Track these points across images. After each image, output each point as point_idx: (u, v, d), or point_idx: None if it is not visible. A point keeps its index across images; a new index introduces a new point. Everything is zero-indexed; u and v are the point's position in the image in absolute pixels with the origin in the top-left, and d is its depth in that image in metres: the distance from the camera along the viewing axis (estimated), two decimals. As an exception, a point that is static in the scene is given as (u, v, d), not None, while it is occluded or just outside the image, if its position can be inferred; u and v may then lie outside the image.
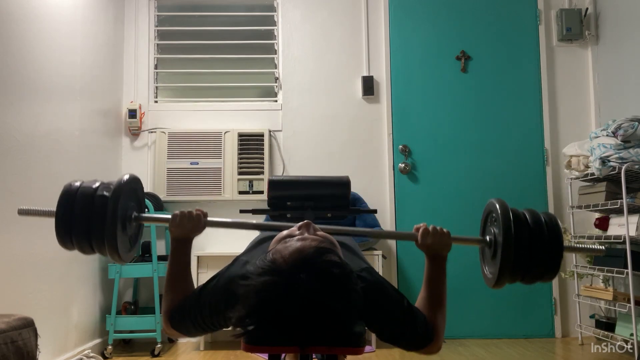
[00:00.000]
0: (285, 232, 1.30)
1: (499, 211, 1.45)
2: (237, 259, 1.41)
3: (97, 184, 1.46)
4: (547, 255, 1.44)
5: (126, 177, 1.48)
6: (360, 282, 1.21)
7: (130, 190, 1.51)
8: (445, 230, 1.48)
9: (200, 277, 3.35)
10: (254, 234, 1.78)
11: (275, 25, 3.97)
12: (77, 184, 1.47)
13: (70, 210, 1.43)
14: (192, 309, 1.35)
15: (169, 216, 1.49)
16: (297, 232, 1.27)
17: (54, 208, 1.45)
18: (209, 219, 1.51)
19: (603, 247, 1.59)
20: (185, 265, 1.49)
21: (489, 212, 1.56)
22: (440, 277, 1.47)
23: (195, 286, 1.45)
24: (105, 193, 1.43)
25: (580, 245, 1.63)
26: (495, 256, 1.48)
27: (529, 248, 1.42)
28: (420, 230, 1.47)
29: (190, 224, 1.47)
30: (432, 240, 1.46)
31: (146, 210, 3.30)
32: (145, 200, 3.30)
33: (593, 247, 1.61)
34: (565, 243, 1.49)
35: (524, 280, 1.49)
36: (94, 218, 1.41)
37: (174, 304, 1.41)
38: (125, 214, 1.48)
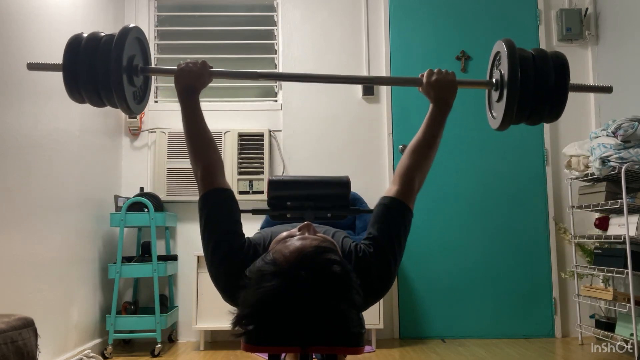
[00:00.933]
0: (285, 233, 1.30)
1: (505, 49, 1.43)
2: (255, 247, 1.38)
3: (102, 34, 1.46)
4: (552, 95, 1.42)
5: (131, 25, 1.48)
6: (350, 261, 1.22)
7: (135, 41, 1.51)
8: (450, 71, 1.50)
9: (200, 277, 3.34)
10: (256, 231, 1.77)
11: (275, 25, 3.97)
12: (84, 35, 1.46)
13: (75, 61, 1.42)
14: (214, 238, 1.33)
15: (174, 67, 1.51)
16: (298, 233, 1.27)
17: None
18: (214, 69, 1.54)
19: (609, 85, 1.57)
20: (200, 115, 1.49)
21: (496, 52, 1.54)
22: (439, 123, 1.48)
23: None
24: (110, 40, 1.42)
25: (587, 84, 1.63)
26: (501, 97, 1.47)
27: (534, 85, 1.40)
28: (426, 71, 1.50)
29: (196, 68, 1.49)
30: (437, 77, 1.48)
31: (145, 210, 3.31)
32: (145, 200, 3.31)
33: (599, 85, 1.59)
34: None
35: (529, 120, 1.48)
36: (99, 66, 1.40)
37: (211, 181, 1.40)
38: (130, 65, 1.47)
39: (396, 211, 1.38)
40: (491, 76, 1.59)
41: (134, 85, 1.51)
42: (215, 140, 1.50)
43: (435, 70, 1.49)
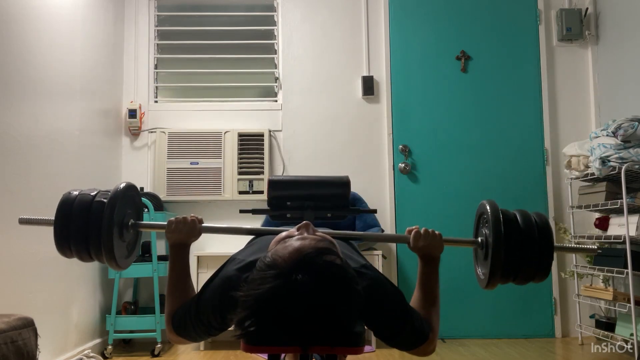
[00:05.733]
0: (284, 234, 1.29)
1: (489, 212, 1.47)
2: (232, 258, 1.42)
3: (94, 193, 1.50)
4: (537, 256, 1.46)
5: (122, 185, 1.51)
6: (360, 280, 1.21)
7: (127, 198, 1.54)
8: (437, 232, 1.52)
9: (200, 277, 3.35)
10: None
11: (275, 25, 3.97)
12: (75, 193, 1.51)
13: (67, 220, 1.47)
14: (191, 313, 1.37)
15: (165, 223, 1.53)
16: (296, 233, 1.27)
17: (52, 216, 1.50)
18: (204, 225, 1.56)
19: (596, 247, 1.61)
20: (184, 271, 1.52)
21: (481, 213, 1.59)
22: (433, 278, 1.50)
23: (196, 289, 1.47)
24: (102, 201, 1.46)
25: (571, 245, 1.66)
26: (487, 257, 1.50)
27: (519, 249, 1.44)
28: (413, 234, 1.52)
29: (185, 229, 1.52)
30: (424, 243, 1.50)
31: (145, 210, 3.31)
32: (145, 200, 3.31)
33: (585, 247, 1.62)
34: (565, 243, 1.50)
35: (516, 281, 1.52)
36: (91, 227, 1.45)
37: (175, 308, 1.44)
38: (122, 221, 1.51)
39: (420, 323, 1.38)
40: (477, 234, 1.61)
41: (124, 241, 1.54)
42: (193, 286, 1.53)
43: (422, 233, 1.51)
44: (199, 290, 1.41)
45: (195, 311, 1.36)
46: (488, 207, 1.49)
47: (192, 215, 1.55)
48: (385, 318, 1.33)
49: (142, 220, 1.64)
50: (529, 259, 1.45)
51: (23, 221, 1.61)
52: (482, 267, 1.57)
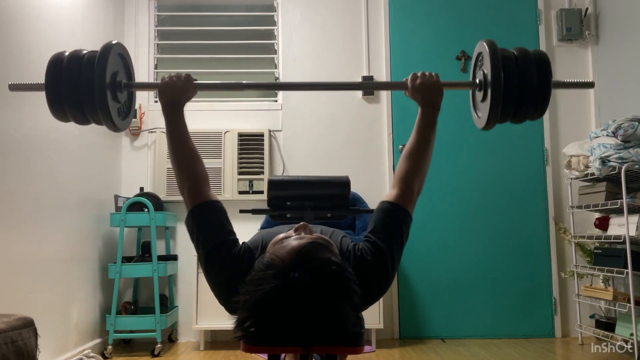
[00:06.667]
0: (282, 235, 1.30)
1: (487, 50, 1.45)
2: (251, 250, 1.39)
3: (84, 52, 1.44)
4: (535, 91, 1.44)
5: (113, 42, 1.46)
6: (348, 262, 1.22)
7: (118, 57, 1.49)
8: (434, 73, 1.51)
9: (200, 277, 3.34)
10: (255, 231, 1.77)
11: (275, 25, 3.97)
12: (66, 53, 1.44)
13: (58, 80, 1.41)
14: (211, 257, 1.34)
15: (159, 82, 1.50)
16: (294, 234, 1.27)
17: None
18: (198, 82, 1.53)
19: (591, 81, 1.60)
20: (183, 132, 1.47)
21: (478, 53, 1.56)
22: (430, 124, 1.49)
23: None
24: (92, 57, 1.40)
25: (569, 80, 1.64)
26: (485, 97, 1.49)
27: (517, 83, 1.42)
28: (410, 75, 1.51)
29: (180, 82, 1.48)
30: (422, 81, 1.49)
31: (145, 210, 3.31)
32: (145, 200, 3.31)
33: (580, 81, 1.61)
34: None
35: (514, 119, 1.50)
36: (83, 85, 1.39)
37: (199, 195, 1.40)
38: (114, 81, 1.46)
39: (396, 216, 1.39)
40: (474, 77, 1.60)
41: (118, 102, 1.50)
42: (200, 154, 1.49)
43: (419, 74, 1.50)
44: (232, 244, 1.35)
45: (211, 260, 1.33)
46: (485, 45, 1.46)
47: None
48: (381, 280, 1.34)
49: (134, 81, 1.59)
50: (527, 95, 1.43)
51: (13, 87, 1.54)
52: (481, 109, 1.54)
